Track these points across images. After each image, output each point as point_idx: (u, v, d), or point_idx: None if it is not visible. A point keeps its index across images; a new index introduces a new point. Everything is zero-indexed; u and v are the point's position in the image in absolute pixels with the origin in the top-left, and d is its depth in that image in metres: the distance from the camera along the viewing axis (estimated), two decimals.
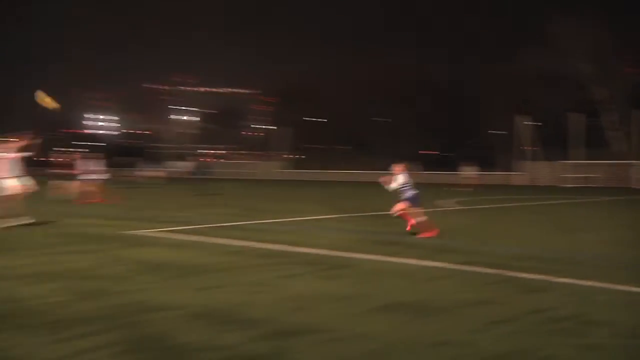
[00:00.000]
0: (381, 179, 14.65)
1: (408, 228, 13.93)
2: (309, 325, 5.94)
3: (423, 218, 13.85)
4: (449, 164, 58.55)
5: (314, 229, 15.54)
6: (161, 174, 50.82)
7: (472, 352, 5.12)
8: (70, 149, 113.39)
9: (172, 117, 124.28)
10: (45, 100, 15.12)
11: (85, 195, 22.81)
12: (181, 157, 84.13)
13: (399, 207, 13.98)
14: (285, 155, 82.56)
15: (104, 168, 24.00)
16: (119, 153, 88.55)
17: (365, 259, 10.42)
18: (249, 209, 22.46)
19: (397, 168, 14.38)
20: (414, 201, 13.85)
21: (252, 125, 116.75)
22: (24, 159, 14.67)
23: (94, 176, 23.10)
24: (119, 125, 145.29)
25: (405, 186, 13.94)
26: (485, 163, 55.07)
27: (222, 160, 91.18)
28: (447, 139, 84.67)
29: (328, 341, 5.41)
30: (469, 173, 40.52)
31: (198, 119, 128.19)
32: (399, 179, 14.05)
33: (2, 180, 14.15)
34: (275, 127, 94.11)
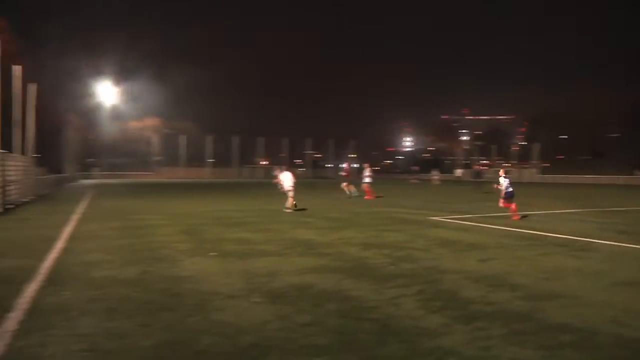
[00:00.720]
0: (494, 186, 15.27)
1: (516, 217, 13.98)
2: (558, 292, 5.78)
3: (503, 205, 14.48)
4: None
5: (561, 219, 14.48)
6: (440, 177, 50.38)
7: None
8: (386, 161, 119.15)
9: (455, 137, 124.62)
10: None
11: (365, 192, 23.89)
12: (460, 166, 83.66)
13: (506, 203, 14.44)
14: (537, 164, 77.86)
15: (372, 174, 24.92)
16: (414, 164, 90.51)
17: (604, 243, 9.63)
18: None
19: (501, 172, 15.01)
20: (510, 196, 14.34)
21: (512, 141, 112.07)
22: (295, 176, 17.50)
23: (367, 179, 24.14)
24: (417, 144, 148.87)
25: (507, 186, 14.36)
26: None
27: (490, 169, 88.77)
28: None
29: (574, 305, 5.23)
30: None
31: (471, 138, 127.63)
32: (502, 181, 14.53)
33: (288, 189, 16.76)
34: (528, 143, 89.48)
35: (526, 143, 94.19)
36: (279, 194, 18.01)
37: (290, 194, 16.69)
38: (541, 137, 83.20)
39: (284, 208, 16.60)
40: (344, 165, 27.75)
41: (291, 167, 18.11)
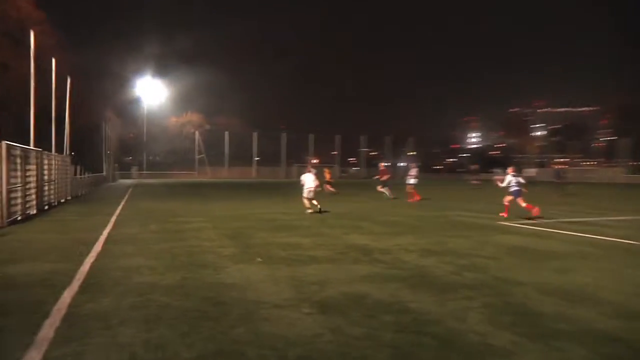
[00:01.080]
0: (496, 179, 15.94)
1: (536, 213, 14.91)
2: None
3: (524, 204, 14.94)
4: None
5: None
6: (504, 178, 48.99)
7: None
8: (451, 159, 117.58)
9: (527, 132, 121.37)
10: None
11: (410, 194, 23.63)
12: (532, 165, 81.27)
13: (508, 199, 15.40)
14: (627, 162, 74.38)
15: (418, 174, 24.62)
16: (476, 162, 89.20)
17: None
18: (593, 207, 20.85)
19: (509, 170, 15.73)
20: (517, 194, 15.12)
21: (595, 137, 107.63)
22: (318, 177, 17.81)
23: (412, 180, 23.85)
24: (484, 140, 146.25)
25: (512, 183, 15.18)
26: None
27: (569, 167, 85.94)
28: None
29: None
30: None
31: (547, 133, 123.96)
32: (507, 178, 15.32)
33: (308, 190, 17.02)
34: (616, 138, 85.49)
35: (615, 138, 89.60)
36: (328, 196, 18.09)
37: (310, 195, 16.96)
38: (633, 131, 79.09)
39: (309, 210, 16.87)
40: (380, 166, 27.34)
41: (312, 167, 17.91)
